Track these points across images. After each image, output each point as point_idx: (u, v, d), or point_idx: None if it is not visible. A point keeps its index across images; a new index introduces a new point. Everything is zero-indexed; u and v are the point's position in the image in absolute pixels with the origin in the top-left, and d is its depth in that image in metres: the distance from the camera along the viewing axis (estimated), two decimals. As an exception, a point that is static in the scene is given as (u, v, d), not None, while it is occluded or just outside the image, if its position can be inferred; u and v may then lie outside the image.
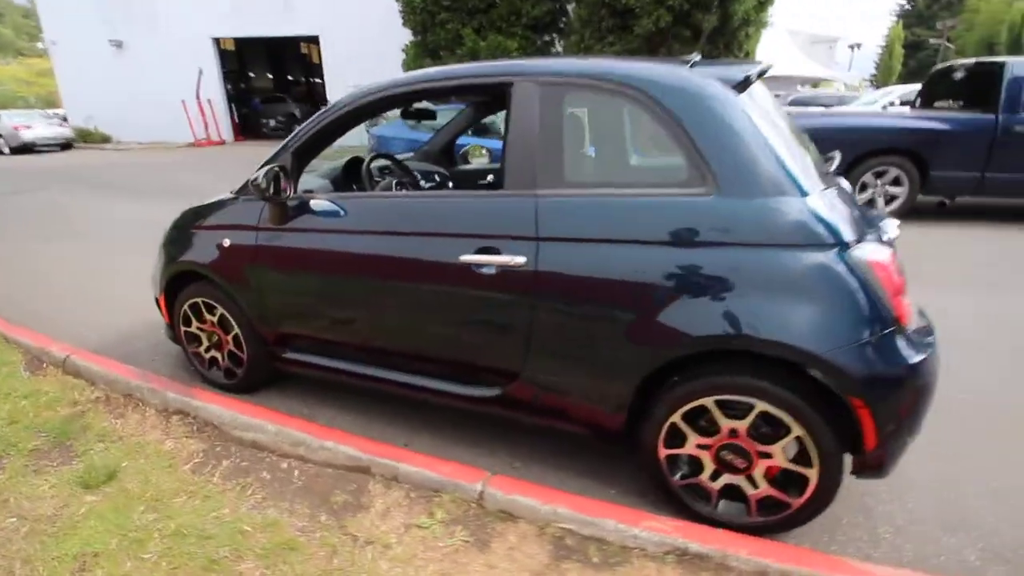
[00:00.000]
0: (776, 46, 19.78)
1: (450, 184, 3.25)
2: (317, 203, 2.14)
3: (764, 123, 1.65)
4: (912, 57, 35.34)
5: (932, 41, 33.83)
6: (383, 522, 1.77)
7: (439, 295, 1.95)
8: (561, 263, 1.74)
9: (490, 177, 3.34)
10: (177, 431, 2.27)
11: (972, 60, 6.56)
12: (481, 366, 2.00)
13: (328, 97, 17.81)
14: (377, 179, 2.52)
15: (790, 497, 1.67)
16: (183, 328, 2.64)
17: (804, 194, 1.58)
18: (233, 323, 2.47)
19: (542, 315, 1.79)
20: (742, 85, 1.68)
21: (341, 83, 17.00)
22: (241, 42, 20.56)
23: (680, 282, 1.62)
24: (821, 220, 1.55)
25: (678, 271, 1.62)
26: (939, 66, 7.34)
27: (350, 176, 2.56)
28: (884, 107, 10.85)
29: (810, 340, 1.51)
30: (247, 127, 20.66)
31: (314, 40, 18.43)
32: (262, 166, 2.22)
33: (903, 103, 11.67)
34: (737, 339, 1.57)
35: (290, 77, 27.54)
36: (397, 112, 3.20)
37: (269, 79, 26.18)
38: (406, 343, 2.12)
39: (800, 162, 1.65)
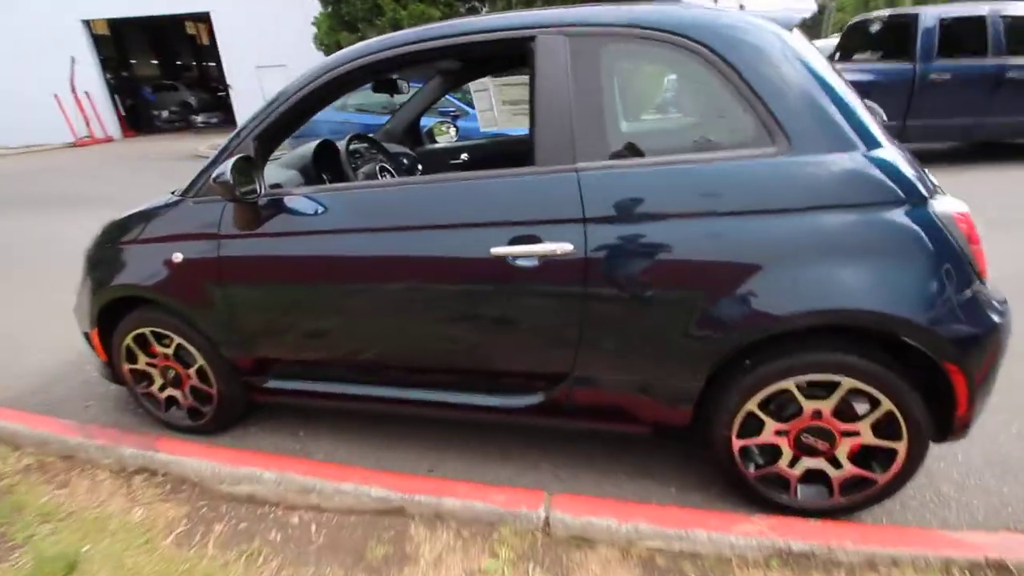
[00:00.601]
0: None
1: (419, 166, 2.91)
2: (297, 200, 1.75)
3: (824, 69, 1.48)
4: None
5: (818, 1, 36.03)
6: (439, 573, 1.49)
7: (467, 296, 1.66)
8: (616, 247, 1.50)
9: (463, 156, 3.02)
10: (145, 495, 1.84)
11: (886, 12, 6.89)
12: (521, 372, 1.74)
13: (228, 81, 16.22)
14: (354, 165, 2.14)
15: (875, 473, 1.57)
16: (127, 366, 2.16)
17: (877, 145, 1.43)
18: (195, 354, 2.04)
19: (595, 307, 1.55)
20: (796, 30, 1.50)
21: (242, 65, 15.54)
22: (117, 24, 18.22)
23: (755, 255, 1.43)
24: (900, 173, 1.41)
25: (752, 243, 1.43)
26: (855, 19, 7.67)
27: (321, 164, 2.15)
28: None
29: (906, 306, 1.38)
30: (135, 120, 18.48)
31: (203, 18, 16.62)
32: (218, 158, 1.80)
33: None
34: (829, 314, 1.41)
35: (179, 62, 24.92)
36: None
37: (154, 65, 23.53)
38: (426, 356, 1.81)
39: (865, 111, 1.49)
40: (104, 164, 11.79)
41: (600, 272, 1.51)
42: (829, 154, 1.41)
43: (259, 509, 1.76)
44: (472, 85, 2.90)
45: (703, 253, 1.45)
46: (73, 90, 15.71)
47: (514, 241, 1.55)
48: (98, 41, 16.99)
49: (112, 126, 17.03)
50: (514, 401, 1.77)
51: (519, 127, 3.03)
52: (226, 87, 16.57)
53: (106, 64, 17.35)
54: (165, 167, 10.70)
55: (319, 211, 1.74)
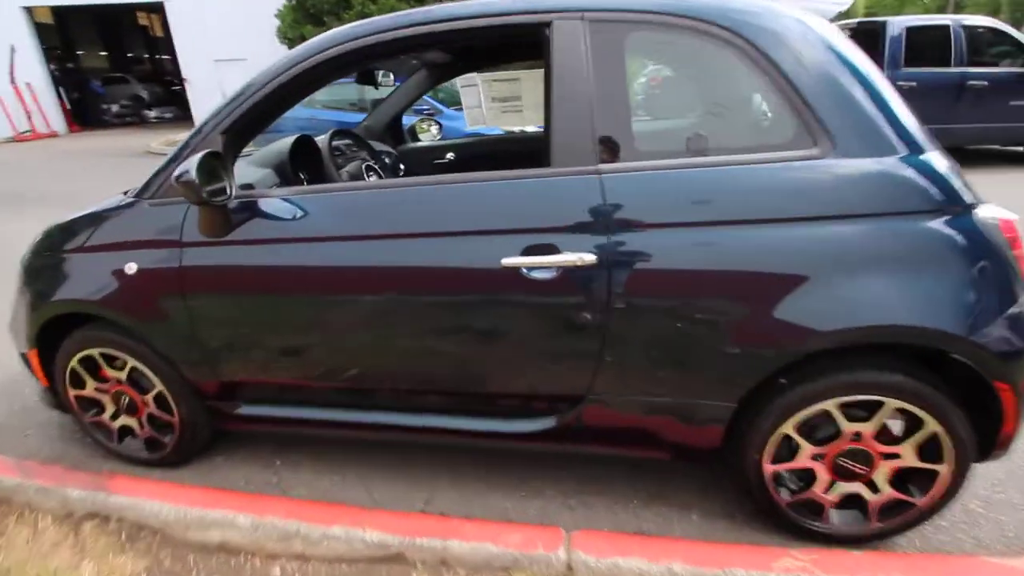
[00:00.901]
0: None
1: (401, 166, 2.71)
2: (274, 203, 1.53)
3: (867, 67, 1.37)
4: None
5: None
6: (448, 631, 1.31)
7: (474, 312, 1.48)
8: (644, 257, 1.34)
9: (449, 155, 2.84)
10: (96, 545, 1.58)
11: (855, 20, 7.03)
12: (531, 394, 1.57)
13: (184, 75, 15.47)
14: (336, 164, 1.93)
15: (914, 497, 1.47)
16: (73, 392, 1.89)
17: (921, 150, 1.32)
18: (152, 378, 1.78)
19: (619, 323, 1.39)
20: (835, 22, 1.38)
21: (199, 58, 14.85)
22: (61, 12, 17.16)
23: (796, 266, 1.31)
24: (945, 180, 1.31)
25: (793, 253, 1.30)
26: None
27: (299, 162, 1.92)
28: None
29: (957, 322, 1.28)
30: (83, 114, 17.44)
31: (156, 8, 15.83)
32: (179, 154, 1.57)
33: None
34: (877, 330, 1.30)
35: (130, 54, 23.74)
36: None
37: (103, 57, 22.32)
38: (425, 378, 1.63)
39: (908, 113, 1.39)
40: (48, 160, 11.02)
41: (625, 285, 1.36)
42: (874, 157, 1.30)
43: (233, 559, 1.53)
44: (459, 80, 2.71)
45: (742, 264, 1.31)
46: (13, 82, 14.70)
47: (528, 251, 1.38)
48: (41, 30, 15.98)
49: (56, 120, 16.04)
50: (521, 426, 1.60)
51: (508, 125, 2.87)
52: (181, 81, 15.81)
53: (50, 54, 16.33)
54: (115, 163, 10.07)
55: (299, 215, 1.53)
